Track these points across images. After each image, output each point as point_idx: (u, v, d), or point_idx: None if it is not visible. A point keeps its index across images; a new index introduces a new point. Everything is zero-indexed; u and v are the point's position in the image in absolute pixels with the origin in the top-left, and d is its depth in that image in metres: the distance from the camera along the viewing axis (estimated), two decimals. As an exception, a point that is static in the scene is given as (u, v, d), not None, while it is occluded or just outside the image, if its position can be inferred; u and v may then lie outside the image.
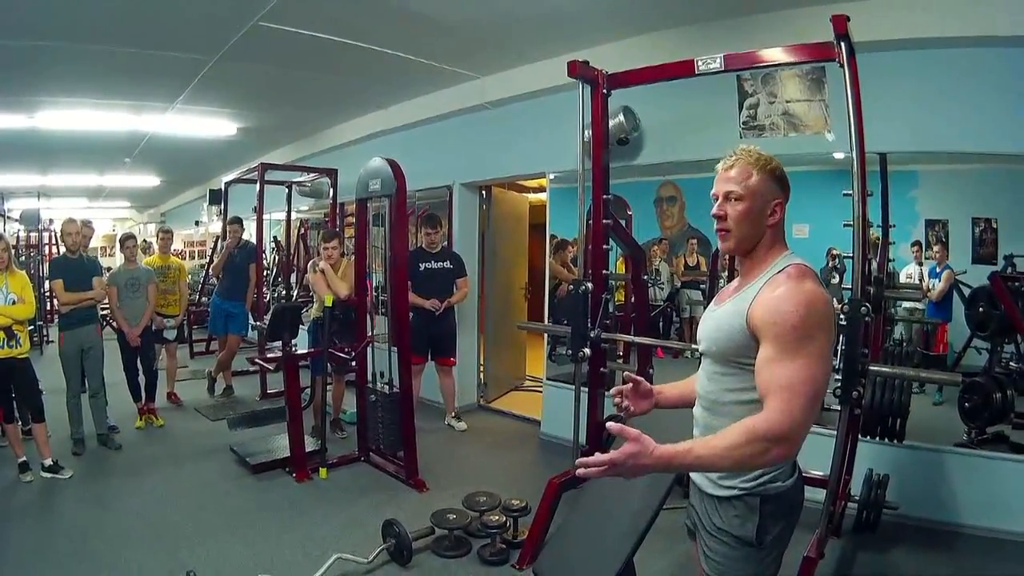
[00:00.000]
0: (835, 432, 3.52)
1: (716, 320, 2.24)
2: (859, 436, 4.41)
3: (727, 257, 5.61)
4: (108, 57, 6.42)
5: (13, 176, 14.55)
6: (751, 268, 2.21)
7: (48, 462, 5.91)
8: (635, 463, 1.86)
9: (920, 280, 5.18)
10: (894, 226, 4.80)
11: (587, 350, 4.53)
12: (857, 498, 4.46)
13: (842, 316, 3.27)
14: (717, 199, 2.21)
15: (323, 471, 5.93)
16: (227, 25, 5.69)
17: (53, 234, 14.93)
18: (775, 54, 3.79)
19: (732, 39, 4.89)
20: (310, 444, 6.21)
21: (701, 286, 6.42)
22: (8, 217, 15.29)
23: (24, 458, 5.88)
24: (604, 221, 4.59)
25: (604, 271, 4.68)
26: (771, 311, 2.01)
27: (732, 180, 2.16)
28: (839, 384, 3.35)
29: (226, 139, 10.57)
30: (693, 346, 2.74)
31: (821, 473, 3.68)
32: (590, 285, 4.53)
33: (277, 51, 6.33)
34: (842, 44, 3.37)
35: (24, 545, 4.67)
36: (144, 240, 12.06)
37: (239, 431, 6.60)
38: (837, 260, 5.07)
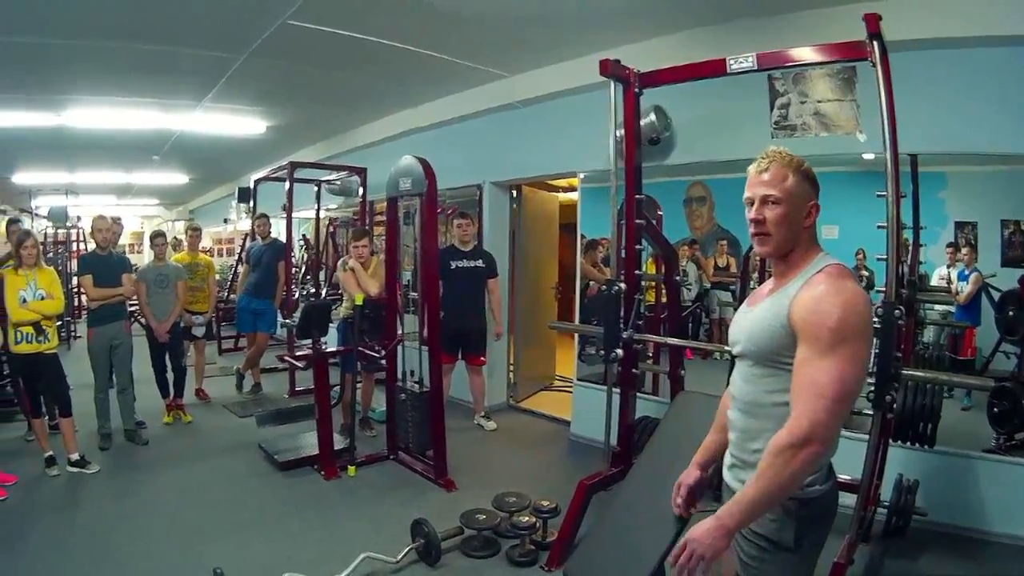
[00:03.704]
0: (867, 436, 3.53)
1: (754, 320, 2.24)
2: (890, 441, 4.39)
3: (758, 259, 5.58)
4: (136, 55, 6.50)
5: (41, 173, 14.76)
6: (787, 269, 2.22)
7: (75, 456, 6.00)
8: (708, 545, 2.01)
9: (949, 283, 5.15)
10: (924, 228, 4.78)
11: (620, 351, 4.54)
12: (887, 503, 4.43)
13: (876, 319, 3.23)
14: (752, 203, 2.21)
15: (352, 469, 5.98)
16: (255, 23, 5.74)
17: (81, 231, 15.16)
18: (807, 53, 3.79)
19: (761, 38, 4.90)
20: (339, 442, 6.27)
21: (731, 287, 6.40)
22: (36, 214, 15.51)
23: (51, 452, 5.97)
24: (637, 221, 4.59)
25: (636, 271, 4.67)
26: (810, 310, 2.02)
27: (768, 183, 2.17)
28: (872, 388, 3.35)
29: (255, 137, 10.64)
30: (725, 348, 2.76)
31: (850, 477, 3.70)
32: (623, 285, 4.54)
33: (306, 49, 6.37)
34: (875, 43, 3.35)
35: (49, 538, 4.76)
36: (174, 237, 12.18)
37: (267, 428, 6.64)
38: (866, 261, 5.05)
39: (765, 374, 2.19)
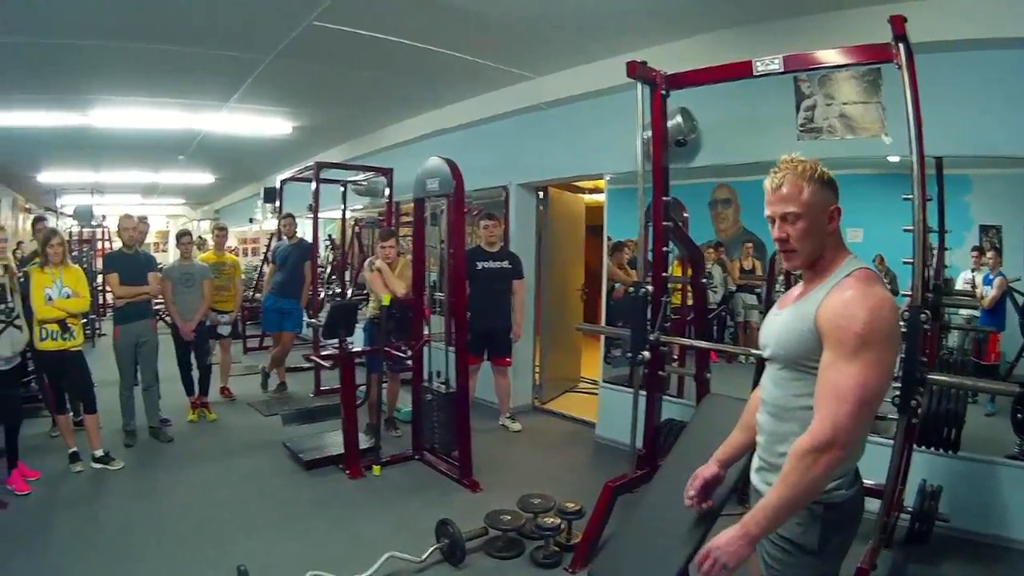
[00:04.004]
0: (891, 441, 3.53)
1: (782, 324, 2.27)
2: (914, 446, 4.37)
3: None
4: (162, 56, 6.58)
5: (66, 172, 14.92)
6: (816, 274, 2.23)
7: (99, 453, 6.10)
8: (732, 553, 2.04)
9: (974, 287, 5.12)
10: (949, 231, 4.74)
11: (646, 353, 4.55)
12: (910, 509, 4.40)
13: (902, 324, 3.23)
14: (774, 221, 2.23)
15: (376, 468, 6.04)
16: (281, 25, 5.80)
17: (106, 230, 15.31)
18: (833, 55, 3.80)
19: (785, 40, 4.93)
20: (364, 441, 6.32)
21: (756, 290, 6.37)
22: (61, 213, 15.66)
23: (75, 448, 6.07)
24: (664, 223, 4.60)
25: (663, 273, 4.69)
26: (837, 315, 2.03)
27: (786, 199, 2.18)
28: (898, 393, 3.35)
29: (281, 137, 10.73)
30: (752, 351, 2.78)
31: (874, 483, 3.70)
32: (650, 288, 4.56)
33: (332, 50, 6.43)
34: (900, 46, 3.36)
35: (72, 534, 4.83)
36: (199, 237, 12.31)
37: (292, 427, 6.73)
38: (885, 265, 5.04)
39: (793, 377, 2.21)
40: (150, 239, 18.09)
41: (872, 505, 2.68)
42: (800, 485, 1.98)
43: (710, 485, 2.59)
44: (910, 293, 3.37)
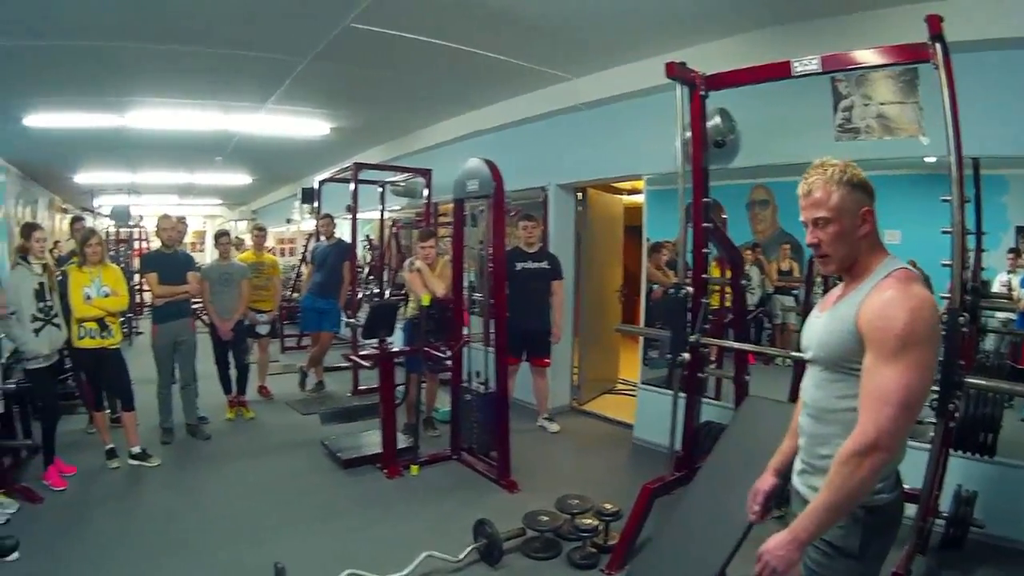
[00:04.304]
0: (928, 446, 3.53)
1: (823, 326, 2.28)
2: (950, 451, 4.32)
3: None
4: (199, 58, 6.67)
5: (103, 173, 15.13)
6: (855, 276, 2.24)
7: (136, 450, 6.22)
8: (782, 558, 2.09)
9: (1010, 289, 5.07)
10: (986, 233, 4.65)
11: (686, 355, 4.57)
12: (945, 514, 4.34)
13: (941, 325, 3.25)
14: (807, 226, 2.27)
15: (414, 468, 6.11)
16: (319, 27, 5.87)
17: (143, 230, 15.52)
18: (870, 55, 3.78)
19: (821, 40, 4.92)
20: (402, 441, 6.38)
21: (794, 292, 6.33)
22: (98, 213, 15.88)
23: (112, 445, 6.19)
24: (704, 225, 4.62)
25: (703, 275, 4.71)
26: (877, 316, 2.04)
27: (816, 204, 2.21)
28: (936, 397, 3.35)
29: (319, 138, 10.81)
30: (792, 353, 2.80)
31: (910, 487, 3.69)
32: (690, 289, 4.58)
33: (369, 52, 6.48)
34: (937, 45, 3.35)
35: (108, 529, 4.93)
36: (236, 237, 12.46)
37: (330, 426, 6.80)
38: (919, 269, 4.99)
39: (835, 379, 2.22)
40: (187, 239, 18.32)
41: (908, 510, 2.67)
42: (844, 489, 2.00)
43: (770, 497, 2.60)
44: (948, 296, 3.37)
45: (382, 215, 10.89)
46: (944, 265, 3.41)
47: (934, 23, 3.32)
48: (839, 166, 2.21)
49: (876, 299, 2.08)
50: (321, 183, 10.37)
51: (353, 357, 6.96)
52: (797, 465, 2.43)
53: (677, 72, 4.48)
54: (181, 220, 7.70)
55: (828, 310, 2.31)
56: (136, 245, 15.68)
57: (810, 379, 2.36)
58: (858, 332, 2.10)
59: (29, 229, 5.80)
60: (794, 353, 3.08)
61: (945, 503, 4.34)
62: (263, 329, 8.54)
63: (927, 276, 4.20)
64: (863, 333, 2.08)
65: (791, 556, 2.08)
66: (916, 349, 1.98)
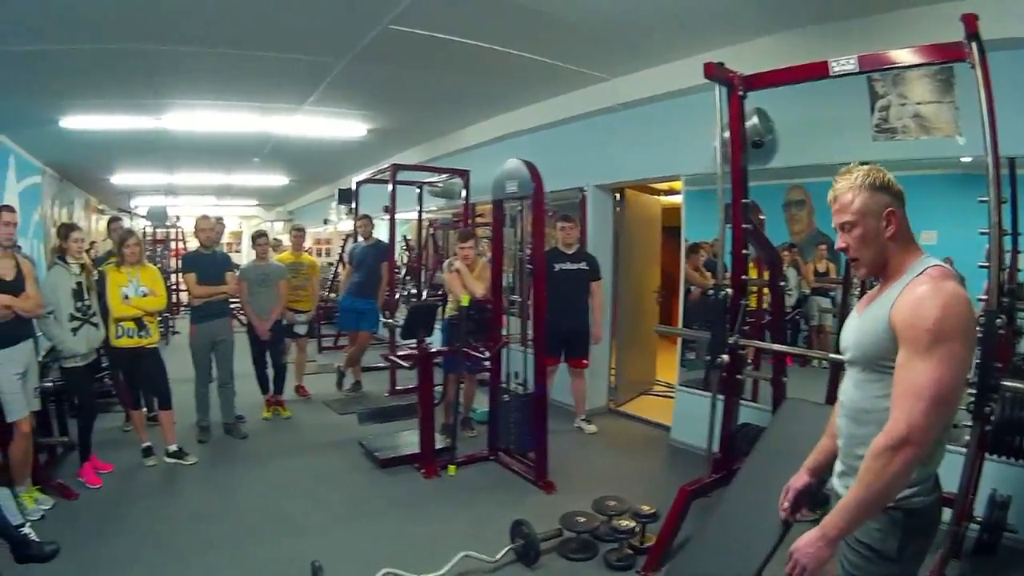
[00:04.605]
0: (963, 449, 3.51)
1: (860, 326, 2.30)
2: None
3: None
4: (237, 61, 6.76)
5: (140, 175, 15.33)
6: (889, 276, 2.26)
7: (172, 448, 6.35)
8: (812, 555, 2.13)
9: None
10: (1022, 234, 4.52)
11: (725, 356, 4.58)
12: (979, 519, 4.28)
13: (977, 329, 3.23)
14: (838, 232, 2.32)
15: (452, 468, 6.16)
16: (356, 28, 5.93)
17: (180, 230, 15.72)
18: (906, 55, 3.77)
19: (856, 39, 4.93)
20: (439, 441, 6.43)
21: (831, 293, 6.29)
22: (135, 214, 16.10)
23: (148, 443, 6.31)
24: (743, 226, 4.63)
25: (742, 276, 4.72)
26: (909, 313, 2.06)
27: (841, 210, 2.27)
28: (971, 400, 3.34)
29: (356, 140, 10.88)
30: (830, 355, 2.80)
31: (946, 491, 3.66)
32: (729, 290, 4.61)
33: (407, 53, 6.52)
34: (973, 44, 3.35)
35: (144, 527, 5.01)
36: (274, 239, 12.61)
37: (367, 426, 6.88)
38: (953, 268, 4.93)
39: (872, 379, 2.24)
40: (224, 239, 18.51)
41: (943, 514, 2.65)
42: (875, 485, 2.02)
43: (802, 495, 2.63)
44: (985, 297, 3.36)
45: (419, 216, 10.99)
46: (981, 266, 3.40)
47: (970, 22, 3.32)
48: (863, 171, 2.26)
49: (909, 296, 2.10)
50: (358, 184, 10.44)
51: (392, 357, 7.04)
52: (837, 467, 2.44)
53: (715, 72, 4.49)
54: (219, 220, 7.81)
55: (864, 311, 2.34)
56: (173, 246, 15.92)
57: (849, 380, 2.37)
58: (892, 330, 2.11)
59: (67, 230, 5.90)
60: (832, 355, 3.08)
61: (979, 507, 4.30)
62: (301, 329, 8.67)
63: (962, 277, 4.19)
64: (897, 331, 2.10)
65: (821, 554, 2.11)
66: (948, 344, 1.99)
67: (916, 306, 2.05)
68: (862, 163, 2.31)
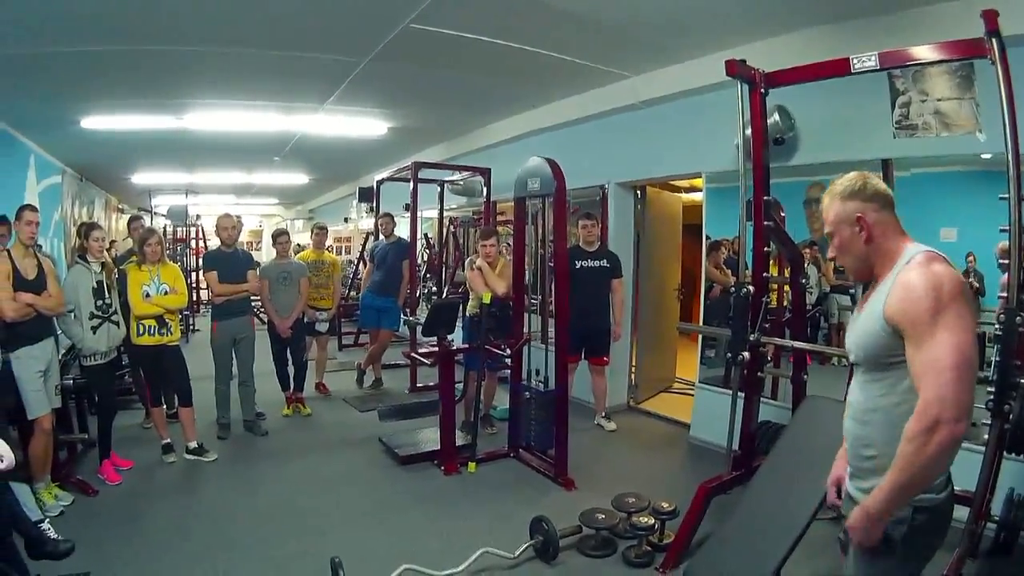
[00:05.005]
0: (981, 448, 3.53)
1: (859, 326, 2.33)
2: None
3: None
4: (258, 61, 6.79)
5: (161, 174, 15.43)
6: (880, 273, 2.29)
7: (193, 444, 6.41)
8: (865, 533, 2.18)
9: None
10: None
11: (746, 354, 4.61)
12: (996, 518, 4.26)
13: (997, 326, 3.27)
14: None
15: (472, 465, 6.19)
16: (377, 27, 5.95)
17: (201, 229, 15.83)
18: (926, 52, 3.80)
19: (876, 36, 4.88)
20: (460, 438, 6.45)
21: (850, 291, 6.27)
22: (156, 213, 16.22)
23: (168, 440, 6.38)
24: (765, 223, 4.64)
25: (764, 274, 4.74)
26: (902, 300, 2.09)
27: (825, 221, 2.40)
28: (991, 398, 3.36)
29: (377, 138, 10.90)
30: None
31: (962, 490, 3.65)
32: (751, 288, 4.61)
33: (427, 52, 6.54)
34: (993, 40, 3.37)
35: (164, 524, 5.05)
36: (297, 244, 12.68)
37: (387, 423, 6.88)
38: (976, 264, 4.92)
39: (874, 379, 2.27)
40: (244, 238, 18.66)
41: (959, 512, 2.64)
42: (911, 469, 2.02)
43: (843, 482, 2.59)
44: (1004, 295, 3.37)
45: (440, 214, 11.07)
46: (1001, 264, 3.41)
47: (990, 18, 3.34)
48: (840, 181, 2.37)
49: (899, 287, 2.13)
50: (379, 182, 10.49)
51: (413, 355, 7.08)
52: (848, 469, 2.45)
53: (738, 69, 4.51)
54: (238, 219, 7.88)
55: (862, 310, 2.36)
56: (193, 244, 16.03)
57: (855, 381, 2.41)
58: (888, 325, 2.14)
59: (88, 229, 5.96)
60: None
61: (996, 507, 4.28)
62: (322, 327, 8.71)
63: (982, 274, 4.15)
64: (894, 324, 2.12)
65: (870, 530, 2.17)
66: (950, 312, 2.01)
67: (908, 292, 2.09)
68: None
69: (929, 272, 2.08)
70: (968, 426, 2.01)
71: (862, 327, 2.30)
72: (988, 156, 4.63)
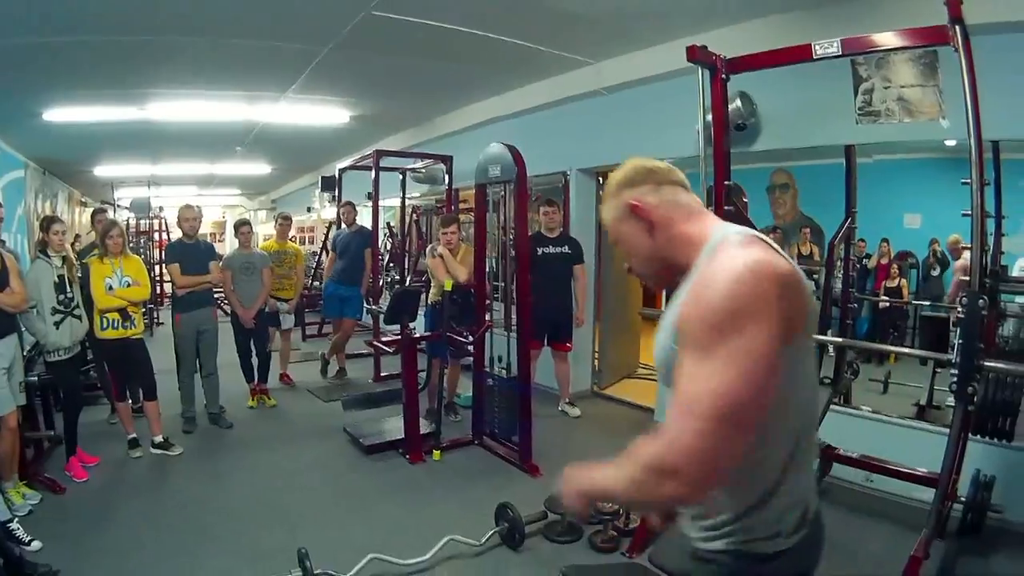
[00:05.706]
0: (946, 430, 3.57)
1: (658, 338, 1.76)
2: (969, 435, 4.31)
3: (842, 246, 5.28)
4: (220, 50, 6.73)
5: (123, 166, 15.21)
6: (685, 270, 1.70)
7: (158, 439, 6.33)
8: (567, 500, 1.76)
9: None
10: (1007, 217, 4.56)
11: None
12: (963, 499, 4.33)
13: (960, 309, 3.28)
14: None
15: (437, 453, 6.17)
16: (339, 15, 5.89)
17: (163, 221, 15.66)
18: (890, 38, 3.78)
19: (840, 24, 4.86)
20: (424, 426, 6.42)
21: (814, 276, 6.27)
22: (118, 205, 16.03)
23: (134, 434, 6.30)
24: (726, 208, 4.56)
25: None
26: (687, 303, 1.56)
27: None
28: (955, 380, 3.37)
29: (339, 127, 10.84)
30: (816, 336, 2.74)
31: (927, 471, 3.66)
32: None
33: (389, 39, 6.50)
34: (957, 28, 3.36)
35: (133, 519, 5.00)
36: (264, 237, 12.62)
37: (352, 413, 6.85)
38: (939, 253, 4.95)
39: None
40: (206, 229, 18.49)
41: (926, 494, 2.62)
42: (631, 495, 1.65)
43: None
44: (967, 278, 3.38)
45: (403, 202, 11.01)
46: (963, 248, 3.43)
47: (954, 5, 3.33)
48: (613, 179, 1.89)
49: (694, 284, 1.59)
50: (341, 171, 10.42)
51: (376, 343, 7.06)
52: None
53: (699, 55, 4.45)
54: (200, 210, 7.78)
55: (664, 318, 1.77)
56: (156, 236, 15.86)
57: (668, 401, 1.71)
58: (677, 334, 1.59)
59: (48, 222, 5.84)
60: (817, 336, 3.06)
61: (963, 488, 4.34)
62: (287, 322, 8.71)
63: (946, 260, 4.17)
64: (680, 332, 1.57)
65: (575, 504, 1.74)
66: (738, 337, 1.41)
67: (697, 291, 1.54)
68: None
69: (737, 264, 1.48)
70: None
71: (659, 341, 1.75)
72: (952, 143, 4.68)
